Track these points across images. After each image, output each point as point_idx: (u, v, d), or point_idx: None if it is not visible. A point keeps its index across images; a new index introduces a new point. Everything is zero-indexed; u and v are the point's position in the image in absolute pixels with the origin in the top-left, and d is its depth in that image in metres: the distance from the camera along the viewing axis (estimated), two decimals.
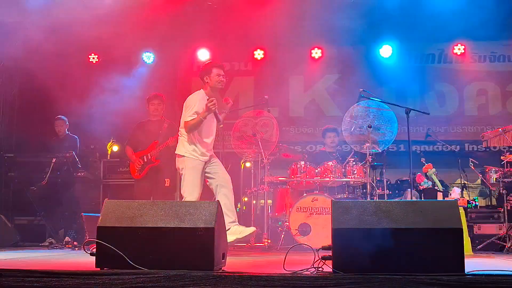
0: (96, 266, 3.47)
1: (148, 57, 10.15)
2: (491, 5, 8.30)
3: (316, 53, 10.03)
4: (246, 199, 8.85)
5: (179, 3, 8.75)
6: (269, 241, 7.03)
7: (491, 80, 10.01)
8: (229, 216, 5.73)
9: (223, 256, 3.78)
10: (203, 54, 10.14)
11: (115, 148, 8.97)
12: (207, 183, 6.04)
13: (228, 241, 5.41)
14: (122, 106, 8.81)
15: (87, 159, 8.42)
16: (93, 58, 10.14)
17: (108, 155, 9.14)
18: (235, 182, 9.05)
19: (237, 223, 5.87)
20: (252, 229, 5.82)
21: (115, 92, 8.65)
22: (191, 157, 5.86)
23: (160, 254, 3.43)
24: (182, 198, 5.81)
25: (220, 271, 3.48)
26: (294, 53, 9.96)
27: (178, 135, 6.04)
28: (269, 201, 7.56)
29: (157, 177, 7.06)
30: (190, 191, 5.80)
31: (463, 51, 9.92)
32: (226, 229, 5.50)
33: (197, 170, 5.87)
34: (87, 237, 6.63)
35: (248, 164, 8.34)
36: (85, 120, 8.53)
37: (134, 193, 7.15)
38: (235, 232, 5.69)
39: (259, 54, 10.15)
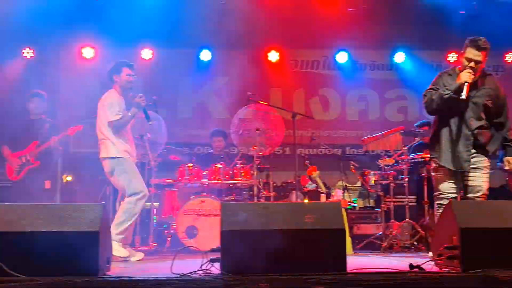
0: None
1: (28, 52, 9.63)
2: (371, 16, 8.75)
3: (205, 55, 10.03)
4: None
5: None
6: (155, 244, 6.90)
7: (371, 87, 10.57)
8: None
9: (108, 261, 3.65)
10: (88, 52, 9.79)
11: None
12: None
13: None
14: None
15: None
16: None
17: None
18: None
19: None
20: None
21: None
22: (124, 157, 5.66)
23: (41, 260, 3.24)
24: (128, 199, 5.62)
25: (105, 276, 3.36)
26: (183, 54, 9.90)
27: (100, 138, 5.77)
28: (156, 204, 7.43)
29: (36, 179, 6.69)
30: (139, 181, 5.71)
31: (346, 58, 10.36)
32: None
33: (134, 166, 5.77)
34: None
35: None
36: None
37: (11, 195, 6.73)
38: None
39: (147, 54, 9.96)
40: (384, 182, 7.62)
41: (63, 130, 6.91)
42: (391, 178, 7.51)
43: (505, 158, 5.02)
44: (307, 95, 10.48)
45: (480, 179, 4.93)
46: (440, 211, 4.99)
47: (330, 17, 8.66)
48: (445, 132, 5.00)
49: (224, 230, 3.44)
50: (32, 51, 9.66)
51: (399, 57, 10.40)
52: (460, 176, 5.00)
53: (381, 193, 7.67)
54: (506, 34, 9.55)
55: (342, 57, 10.36)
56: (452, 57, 10.40)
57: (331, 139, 10.25)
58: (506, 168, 5.02)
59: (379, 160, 7.81)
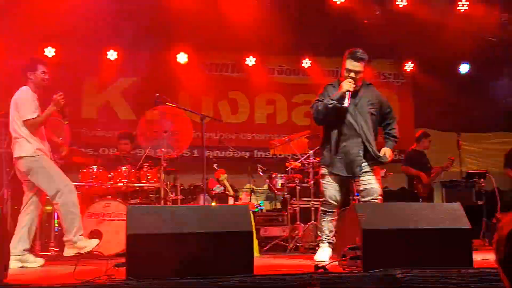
0: None
1: None
2: (280, 22, 8.90)
3: (112, 55, 9.80)
4: None
5: None
6: (57, 249, 6.64)
7: (278, 92, 10.76)
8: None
9: (5, 268, 3.47)
10: None
11: None
12: (26, 189, 5.58)
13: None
14: None
15: None
16: None
17: None
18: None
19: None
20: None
21: None
22: (40, 154, 5.39)
23: None
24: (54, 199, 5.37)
25: (3, 283, 3.18)
26: (88, 53, 9.59)
27: (14, 136, 5.45)
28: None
29: None
30: (60, 176, 5.43)
31: (254, 62, 10.49)
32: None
33: (52, 163, 5.53)
34: None
35: None
36: None
37: None
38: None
39: (49, 51, 9.58)
40: (290, 185, 7.76)
41: None
42: (297, 181, 7.66)
43: (382, 149, 5.24)
44: (216, 98, 10.51)
45: (372, 181, 5.16)
46: (326, 217, 5.20)
47: (240, 22, 8.72)
48: (334, 140, 5.19)
49: (130, 234, 3.36)
50: None
51: (306, 63, 10.67)
52: (349, 182, 5.25)
53: (287, 196, 7.80)
54: (404, 44, 10.09)
55: (251, 61, 10.47)
56: None
57: (239, 142, 10.33)
58: (384, 160, 5.26)
59: (286, 163, 7.97)
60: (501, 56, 10.67)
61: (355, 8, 9.13)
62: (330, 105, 5.02)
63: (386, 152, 5.22)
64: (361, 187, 5.17)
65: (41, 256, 6.14)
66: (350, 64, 5.10)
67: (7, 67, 8.03)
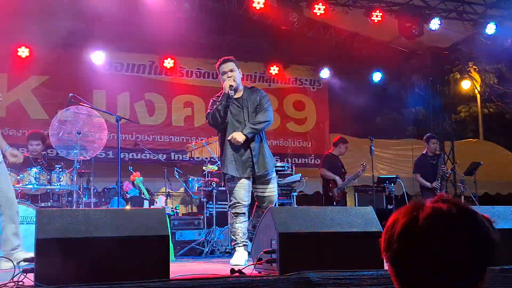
0: None
1: None
2: (200, 24, 8.89)
3: (23, 51, 9.39)
4: None
5: None
6: None
7: (196, 94, 10.72)
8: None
9: None
10: None
11: None
12: None
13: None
14: None
15: None
16: None
17: None
18: None
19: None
20: None
21: None
22: None
23: None
24: None
25: None
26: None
27: None
28: None
29: None
30: None
31: (172, 65, 10.40)
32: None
33: None
34: None
35: None
36: None
37: None
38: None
39: None
40: (207, 189, 7.74)
41: None
42: (214, 185, 7.65)
43: (231, 135, 5.30)
44: (132, 99, 10.32)
45: (267, 191, 5.34)
46: (241, 219, 5.25)
47: (158, 23, 8.61)
48: (228, 145, 5.30)
49: (39, 238, 3.22)
50: None
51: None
52: (251, 186, 5.34)
53: (204, 200, 7.77)
54: (320, 51, 10.34)
55: (169, 63, 10.37)
56: (274, 69, 10.97)
57: (156, 144, 10.21)
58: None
59: (204, 167, 7.93)
60: (412, 66, 11.18)
61: (274, 14, 9.25)
62: (221, 107, 5.21)
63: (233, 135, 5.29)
64: (259, 194, 5.40)
65: None
66: (221, 67, 5.37)
67: None
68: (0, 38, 8.86)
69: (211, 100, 5.48)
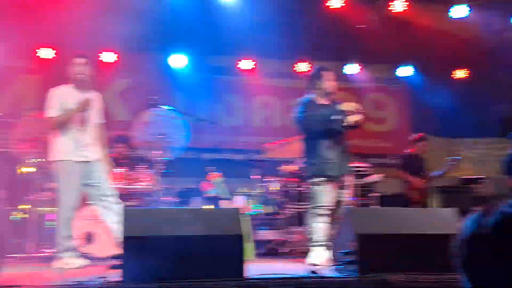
0: None
1: None
2: (276, 26, 8.92)
3: (110, 56, 9.78)
4: (25, 206, 8.22)
5: None
6: (50, 250, 6.60)
7: (275, 94, 10.77)
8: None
9: None
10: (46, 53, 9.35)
11: None
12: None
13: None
14: None
15: None
16: None
17: None
18: (13, 188, 8.39)
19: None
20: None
21: None
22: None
23: None
24: None
25: None
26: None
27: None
28: (50, 209, 7.12)
29: None
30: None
31: (251, 66, 10.50)
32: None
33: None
34: None
35: (28, 169, 7.75)
36: None
37: None
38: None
39: (46, 53, 9.56)
40: (285, 189, 7.74)
41: None
42: (293, 185, 7.65)
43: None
44: (212, 100, 10.49)
45: (343, 195, 5.46)
46: (322, 219, 5.22)
47: (236, 25, 8.72)
48: (320, 147, 5.48)
49: (126, 236, 3.35)
50: None
51: (301, 67, 10.70)
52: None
53: (282, 200, 7.78)
54: (399, 48, 10.11)
55: (246, 65, 10.48)
56: (353, 68, 10.83)
57: (235, 144, 10.32)
58: None
59: (281, 167, 7.94)
60: (498, 62, 10.70)
61: (350, 13, 9.14)
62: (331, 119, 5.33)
63: None
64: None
65: (33, 257, 6.12)
66: (327, 75, 5.74)
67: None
68: (86, 44, 9.28)
69: (303, 102, 5.56)
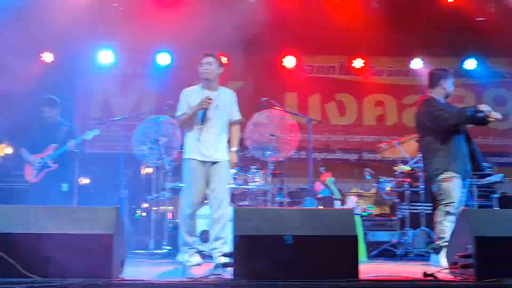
0: None
1: (48, 56, 9.76)
2: (388, 22, 8.72)
3: (222, 60, 10.04)
4: (146, 205, 8.68)
5: (83, 2, 8.47)
6: (170, 248, 6.93)
7: (388, 92, 10.55)
8: None
9: (122, 264, 3.68)
10: (106, 56, 9.91)
11: (8, 150, 8.50)
12: None
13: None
14: (17, 107, 8.39)
15: None
16: None
17: (1, 158, 8.67)
18: (136, 188, 8.90)
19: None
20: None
21: (9, 93, 8.24)
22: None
23: (56, 261, 3.28)
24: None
25: (119, 278, 3.38)
26: (199, 58, 9.91)
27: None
28: (170, 208, 7.46)
29: (54, 182, 6.74)
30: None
31: (362, 64, 10.37)
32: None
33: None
34: None
35: (149, 170, 8.19)
36: None
37: (29, 197, 6.79)
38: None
39: (163, 58, 10.04)
40: (399, 189, 7.57)
41: (80, 133, 6.97)
42: (407, 186, 7.46)
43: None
44: (323, 100, 10.49)
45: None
46: (452, 218, 5.07)
47: (346, 24, 8.64)
48: (453, 142, 5.43)
49: (237, 235, 3.44)
50: (52, 55, 9.78)
51: (416, 64, 10.38)
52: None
53: (396, 200, 7.62)
54: None
55: (358, 63, 10.36)
56: (471, 64, 10.36)
57: (347, 144, 10.24)
58: None
59: (395, 167, 7.77)
60: None
61: (467, 5, 8.74)
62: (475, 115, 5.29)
63: None
64: None
65: (154, 254, 6.43)
66: (449, 75, 5.77)
67: None
68: (202, 49, 9.62)
69: (432, 99, 5.52)
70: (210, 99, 5.20)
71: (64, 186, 6.79)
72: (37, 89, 8.34)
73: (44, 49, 9.75)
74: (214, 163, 5.19)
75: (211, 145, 5.22)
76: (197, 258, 5.12)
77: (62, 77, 9.38)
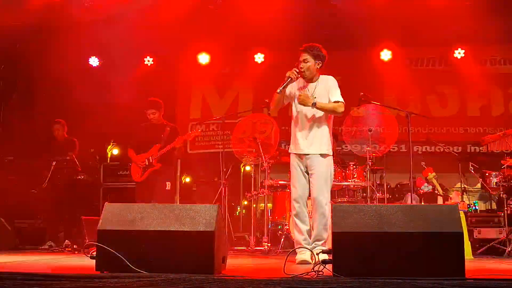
0: (96, 269, 3.46)
1: (149, 60, 10.18)
2: (488, 10, 8.31)
3: None
4: (246, 202, 8.84)
5: (180, 6, 8.74)
6: (269, 245, 7.01)
7: (492, 83, 10.05)
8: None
9: (223, 260, 3.77)
10: (204, 58, 10.18)
11: (115, 151, 8.96)
12: None
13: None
14: (122, 109, 8.81)
15: (87, 162, 8.40)
16: (94, 61, 10.10)
17: (108, 158, 9.14)
18: (236, 185, 9.09)
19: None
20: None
21: (115, 95, 8.67)
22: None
23: (160, 257, 3.43)
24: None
25: (220, 274, 3.47)
26: (293, 56, 9.95)
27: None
28: (269, 205, 7.55)
29: (158, 181, 7.03)
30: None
31: (463, 55, 9.95)
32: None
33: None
34: (87, 241, 6.63)
35: (248, 168, 8.33)
36: (85, 123, 8.56)
37: (135, 196, 7.13)
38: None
39: (259, 57, 10.16)
40: (507, 184, 7.19)
41: (182, 133, 7.21)
42: None
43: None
44: (423, 92, 10.17)
45: None
46: None
47: (444, 14, 8.32)
48: None
49: (335, 232, 3.42)
50: (152, 59, 10.18)
51: None
52: None
53: (503, 195, 7.24)
54: None
55: (459, 53, 9.95)
56: None
57: (450, 136, 9.87)
58: None
59: (502, 161, 7.38)
60: None
61: None
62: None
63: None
64: None
65: (255, 250, 6.52)
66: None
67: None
68: (294, 46, 9.64)
69: None
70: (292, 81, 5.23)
71: (168, 185, 7.05)
72: (140, 92, 8.73)
73: (146, 53, 10.17)
74: (309, 156, 5.19)
75: (307, 138, 5.25)
76: (305, 256, 5.08)
77: (163, 79, 9.75)
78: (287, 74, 5.18)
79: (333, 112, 5.23)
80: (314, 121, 5.23)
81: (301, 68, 5.29)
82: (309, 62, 5.34)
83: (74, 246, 7.26)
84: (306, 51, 5.37)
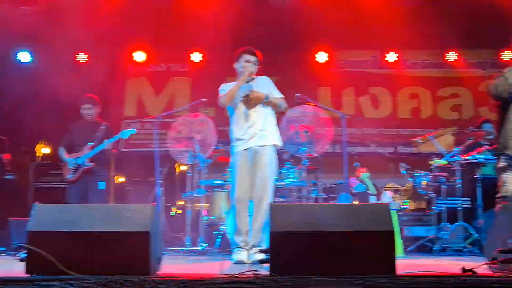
0: (26, 273, 3.34)
1: (83, 57, 9.94)
2: (421, 17, 8.61)
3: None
4: (181, 202, 8.76)
5: (117, 3, 8.58)
6: (205, 245, 6.97)
7: (422, 86, 10.43)
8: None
9: (159, 261, 3.72)
10: (140, 56, 10.03)
11: (46, 150, 8.67)
12: None
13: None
14: (54, 107, 8.55)
15: (17, 161, 8.10)
16: (24, 56, 9.76)
17: (39, 158, 8.84)
18: (171, 185, 8.99)
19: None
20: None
21: (47, 93, 8.41)
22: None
23: (95, 259, 3.34)
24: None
25: (156, 275, 3.42)
26: (231, 56, 9.95)
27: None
28: (206, 205, 7.51)
29: (91, 181, 6.85)
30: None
31: (396, 58, 10.27)
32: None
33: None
34: (15, 243, 6.39)
35: (184, 167, 8.25)
36: (16, 121, 8.25)
37: (67, 196, 6.92)
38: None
39: (196, 56, 10.10)
40: (435, 184, 7.46)
41: (116, 132, 7.05)
42: (443, 180, 7.35)
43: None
44: (357, 94, 10.43)
45: None
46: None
47: (378, 18, 8.55)
48: None
49: (273, 231, 3.45)
50: (87, 56, 9.94)
51: (451, 56, 10.27)
52: None
53: (433, 195, 7.50)
54: None
55: (392, 57, 10.27)
56: (506, 55, 10.14)
57: (382, 137, 10.16)
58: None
59: (430, 161, 7.66)
60: None
61: None
62: None
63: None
64: None
65: (190, 251, 6.48)
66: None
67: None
68: (235, 46, 9.64)
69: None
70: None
71: (101, 185, 6.89)
72: (72, 90, 8.49)
73: (79, 50, 9.92)
74: (256, 151, 5.27)
75: (252, 133, 5.33)
76: (243, 255, 5.08)
77: (96, 78, 9.53)
78: (250, 70, 5.44)
79: (280, 106, 5.44)
80: (262, 117, 5.34)
81: (245, 67, 5.45)
82: (251, 64, 5.49)
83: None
84: (251, 53, 5.54)
